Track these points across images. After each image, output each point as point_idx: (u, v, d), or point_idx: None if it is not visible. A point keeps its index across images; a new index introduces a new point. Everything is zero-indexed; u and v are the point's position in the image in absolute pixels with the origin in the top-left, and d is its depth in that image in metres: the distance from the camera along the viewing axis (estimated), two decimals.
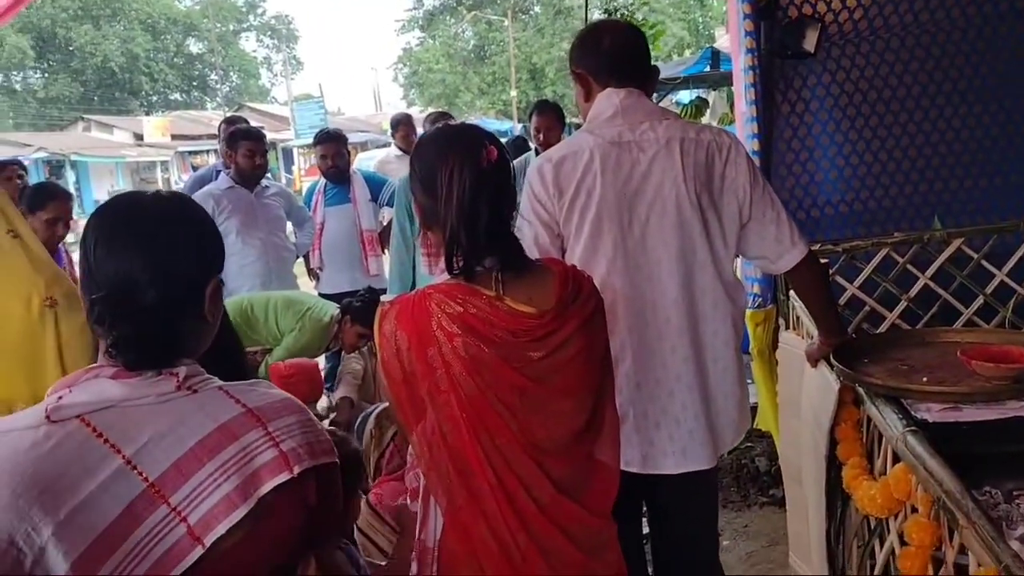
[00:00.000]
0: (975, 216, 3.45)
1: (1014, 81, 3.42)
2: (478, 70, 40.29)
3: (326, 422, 3.92)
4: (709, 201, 2.02)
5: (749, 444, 4.10)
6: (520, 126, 21.47)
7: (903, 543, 1.60)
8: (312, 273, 5.16)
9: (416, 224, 2.84)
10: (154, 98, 45.46)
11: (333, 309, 3.92)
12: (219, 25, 45.96)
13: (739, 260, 2.71)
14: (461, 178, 1.51)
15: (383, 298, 2.50)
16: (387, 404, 2.49)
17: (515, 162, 5.63)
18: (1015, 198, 3.42)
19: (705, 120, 9.87)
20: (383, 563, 2.21)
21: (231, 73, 48.68)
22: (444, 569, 1.60)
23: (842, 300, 3.00)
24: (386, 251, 4.77)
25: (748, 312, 3.45)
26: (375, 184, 5.13)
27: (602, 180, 1.97)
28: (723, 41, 10.83)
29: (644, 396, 2.01)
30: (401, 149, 6.36)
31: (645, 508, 2.30)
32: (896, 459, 1.73)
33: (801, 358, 2.37)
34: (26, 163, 6.91)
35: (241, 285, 4.28)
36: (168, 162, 31.23)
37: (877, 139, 3.52)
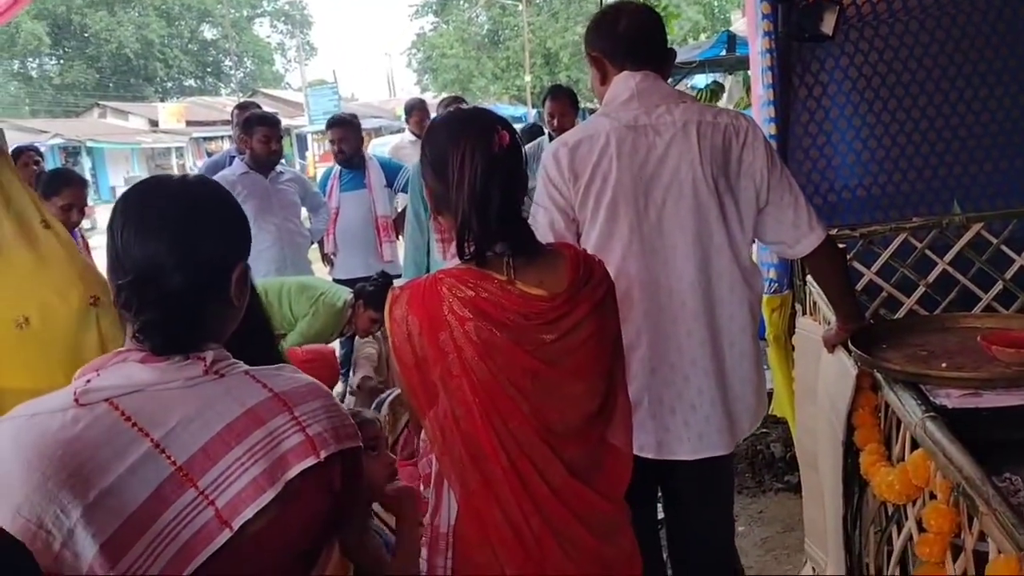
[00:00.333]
0: (995, 200, 3.41)
1: None
2: (492, 55, 40.12)
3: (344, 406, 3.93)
4: (726, 185, 2.00)
5: (764, 430, 4.09)
6: (534, 111, 21.38)
7: (921, 529, 1.59)
8: (326, 258, 5.16)
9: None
10: (169, 84, 45.59)
11: (346, 294, 3.93)
12: (233, 11, 45.92)
13: (755, 245, 2.70)
14: (473, 163, 1.50)
15: (395, 283, 2.49)
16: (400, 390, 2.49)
17: (527, 147, 5.63)
18: None
19: (721, 105, 9.79)
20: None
21: (245, 59, 48.70)
22: (458, 555, 1.60)
23: (859, 285, 2.97)
24: (400, 237, 4.77)
25: (764, 298, 3.42)
26: (391, 170, 5.11)
27: (618, 164, 1.96)
28: (739, 24, 10.74)
29: (659, 381, 2.00)
30: (415, 134, 6.35)
31: (660, 493, 2.30)
32: (914, 445, 1.72)
33: (818, 344, 2.35)
34: (42, 149, 6.95)
35: (256, 271, 4.21)
36: (183, 148, 31.35)
37: (895, 122, 3.48)
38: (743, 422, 2.08)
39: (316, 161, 25.70)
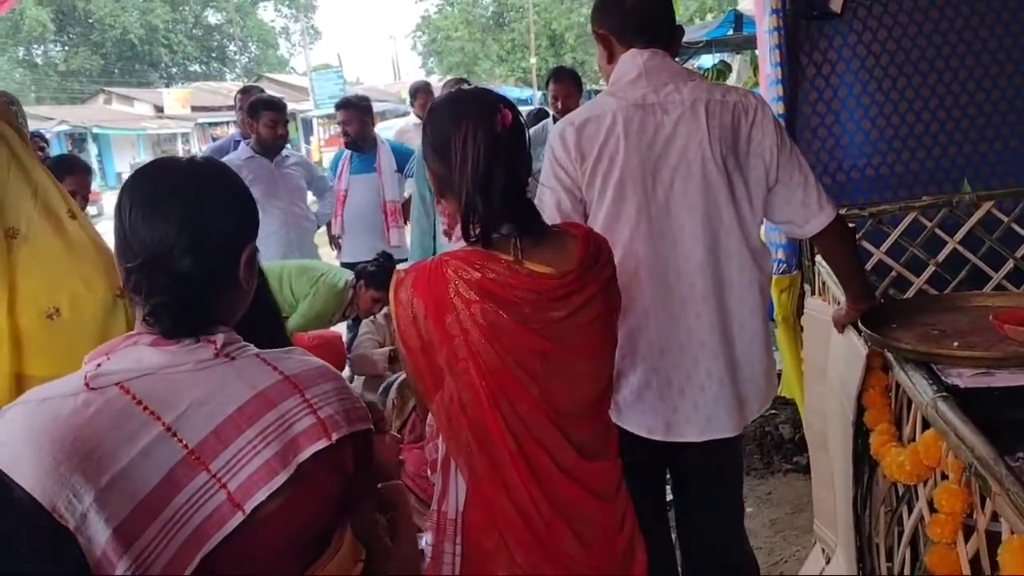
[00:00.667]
0: (1005, 179, 3.38)
1: None
2: (497, 37, 39.92)
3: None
4: (735, 164, 1.98)
5: (773, 411, 4.08)
6: (540, 94, 21.29)
7: (932, 510, 1.58)
8: (334, 241, 5.14)
9: None
10: (173, 70, 45.50)
11: (348, 275, 3.94)
12: None
13: (763, 225, 2.67)
14: (475, 144, 1.48)
15: (400, 267, 2.49)
16: None
17: (532, 130, 5.56)
18: None
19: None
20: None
21: (249, 44, 48.56)
22: (467, 540, 1.59)
23: (868, 265, 2.95)
24: (408, 222, 4.75)
25: (773, 278, 3.41)
26: (402, 155, 5.07)
27: (625, 144, 1.93)
28: (746, 3, 10.62)
29: (668, 364, 1.99)
30: (420, 118, 6.29)
31: (668, 475, 2.29)
32: (926, 425, 1.70)
33: (827, 324, 2.34)
34: (49, 136, 6.94)
35: (263, 254, 4.26)
36: (188, 134, 31.33)
37: (905, 101, 3.45)
38: (752, 404, 2.07)
39: (321, 146, 25.65)
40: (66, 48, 41.48)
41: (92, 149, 27.00)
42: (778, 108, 3.30)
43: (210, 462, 1.07)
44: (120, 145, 29.82)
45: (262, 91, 5.29)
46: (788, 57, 3.32)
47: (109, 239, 1.23)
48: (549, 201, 1.97)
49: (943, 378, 1.80)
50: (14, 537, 0.78)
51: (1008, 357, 1.83)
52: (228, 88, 34.79)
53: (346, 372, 4.02)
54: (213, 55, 47.95)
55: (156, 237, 1.12)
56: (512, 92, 26.22)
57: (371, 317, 4.09)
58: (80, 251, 1.94)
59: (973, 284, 2.90)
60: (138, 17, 40.68)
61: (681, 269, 1.97)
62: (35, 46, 40.61)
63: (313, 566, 1.18)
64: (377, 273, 3.87)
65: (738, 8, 10.13)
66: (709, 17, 21.33)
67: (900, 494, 1.94)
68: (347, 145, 4.99)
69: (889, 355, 1.97)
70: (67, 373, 1.13)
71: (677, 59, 2.13)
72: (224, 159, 4.51)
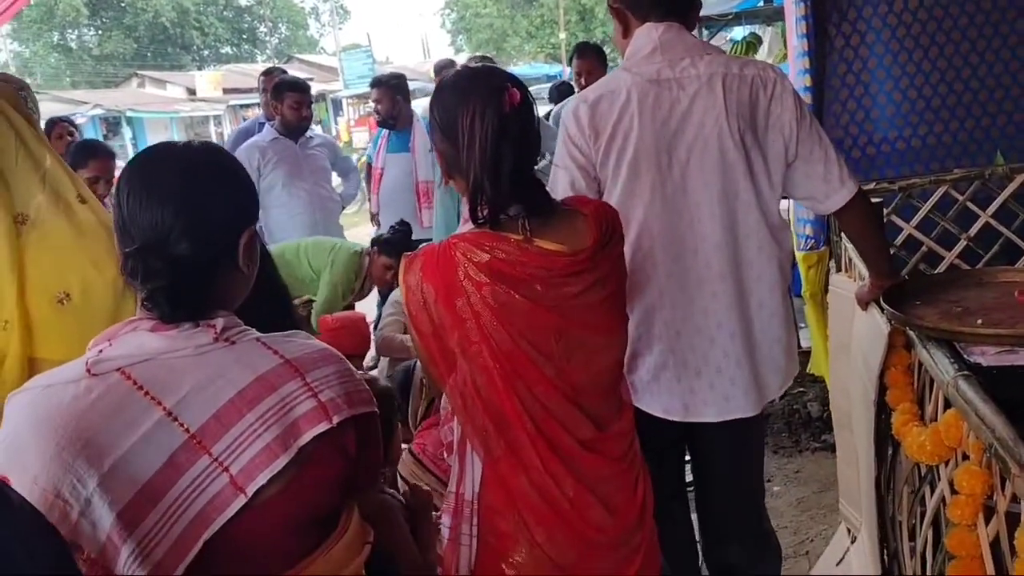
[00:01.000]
0: None
1: None
2: (526, 13, 39.58)
3: (375, 372, 3.96)
4: (753, 139, 1.94)
5: (801, 389, 4.04)
6: (569, 70, 21.14)
7: (954, 491, 1.55)
8: (375, 219, 5.11)
9: None
10: (205, 52, 45.72)
11: (363, 244, 3.98)
12: None
13: (791, 201, 2.62)
14: (483, 124, 1.46)
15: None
16: None
17: (555, 108, 5.50)
18: None
19: (759, 58, 9.55)
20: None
21: (280, 24, 48.62)
22: (484, 521, 1.59)
23: (898, 240, 2.90)
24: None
25: (801, 254, 3.37)
26: None
27: (640, 121, 1.90)
28: None
29: (684, 345, 1.96)
30: None
31: (688, 455, 2.28)
32: (947, 405, 1.66)
33: (852, 301, 2.29)
34: (83, 120, 7.03)
35: (288, 236, 4.31)
36: (220, 116, 31.53)
37: (936, 71, 3.37)
38: (772, 383, 2.04)
39: (351, 126, 25.67)
40: (99, 32, 41.84)
41: (126, 132, 27.28)
42: (805, 81, 3.24)
43: (211, 446, 1.08)
44: (154, 128, 30.07)
45: (285, 72, 5.30)
46: (815, 29, 3.25)
47: None
48: (563, 179, 1.94)
49: (966, 356, 1.75)
50: (10, 546, 0.78)
51: None
52: (259, 70, 34.78)
53: (371, 353, 4.04)
54: (244, 36, 48.09)
55: (152, 222, 1.13)
56: (542, 69, 26.03)
57: (396, 299, 4.11)
58: (91, 235, 1.95)
59: (1006, 259, 2.83)
60: (169, 0, 40.91)
61: (698, 248, 1.94)
62: (69, 31, 41.04)
63: (321, 547, 1.18)
64: (390, 240, 3.89)
65: None
66: None
67: (923, 474, 1.91)
68: (379, 124, 4.98)
69: (911, 333, 1.93)
70: (75, 356, 1.14)
71: (705, 32, 2.08)
72: (249, 141, 4.55)
